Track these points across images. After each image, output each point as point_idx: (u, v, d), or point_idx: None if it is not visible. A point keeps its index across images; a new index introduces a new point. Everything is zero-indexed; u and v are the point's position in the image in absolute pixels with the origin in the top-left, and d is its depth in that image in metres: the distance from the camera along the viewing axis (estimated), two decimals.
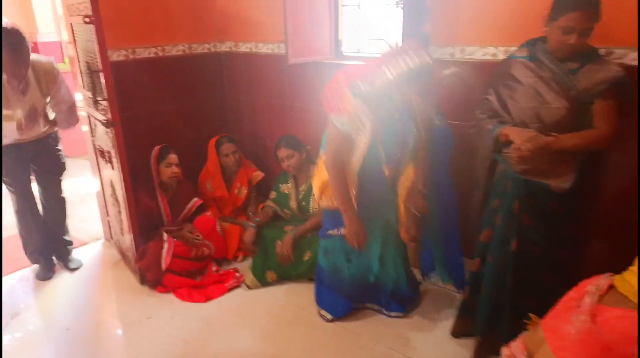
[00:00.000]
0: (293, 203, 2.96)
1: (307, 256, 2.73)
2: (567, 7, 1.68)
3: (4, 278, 2.87)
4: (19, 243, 2.93)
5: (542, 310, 1.87)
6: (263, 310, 2.53)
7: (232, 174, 3.29)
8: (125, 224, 2.77)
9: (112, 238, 3.27)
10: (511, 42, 2.20)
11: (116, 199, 2.83)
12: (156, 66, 3.16)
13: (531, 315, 1.77)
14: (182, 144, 3.16)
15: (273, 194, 3.05)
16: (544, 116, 1.80)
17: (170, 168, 2.82)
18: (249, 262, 2.99)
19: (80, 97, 2.98)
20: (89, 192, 4.24)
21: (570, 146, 1.74)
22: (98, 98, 2.48)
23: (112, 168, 2.70)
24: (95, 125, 2.83)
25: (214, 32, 3.42)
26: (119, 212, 2.84)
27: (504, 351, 1.68)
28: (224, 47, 3.49)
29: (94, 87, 2.57)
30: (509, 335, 1.98)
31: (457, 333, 2.24)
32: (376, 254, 2.29)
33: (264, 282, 2.73)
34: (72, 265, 2.98)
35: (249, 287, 2.72)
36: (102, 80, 2.39)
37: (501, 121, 1.90)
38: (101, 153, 2.87)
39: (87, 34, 2.51)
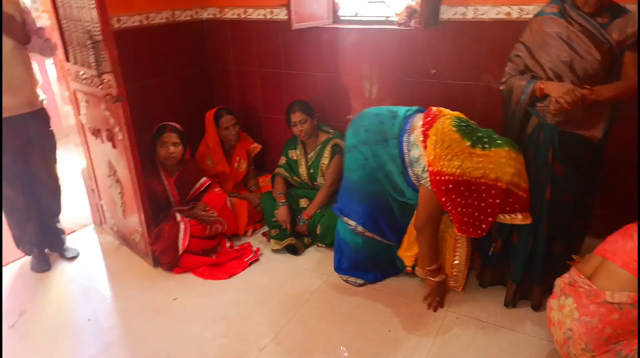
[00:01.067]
0: (303, 170, 2.93)
1: (318, 230, 2.74)
2: None
3: None
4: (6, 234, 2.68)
5: (571, 253, 2.05)
6: (289, 279, 2.52)
7: (230, 148, 3.18)
8: (131, 206, 2.61)
9: (103, 223, 3.07)
10: (526, 0, 2.28)
11: (117, 181, 2.65)
12: (139, 36, 2.93)
13: (574, 256, 1.91)
14: (168, 120, 2.95)
15: (282, 160, 2.99)
16: (578, 69, 1.88)
17: (166, 147, 2.64)
18: (257, 236, 2.95)
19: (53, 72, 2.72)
20: (65, 178, 3.95)
21: (605, 97, 1.84)
22: (98, 71, 2.26)
23: (114, 146, 2.51)
24: (86, 102, 2.60)
25: None
26: (120, 193, 2.67)
27: (558, 282, 1.82)
28: (206, 14, 3.29)
29: (89, 60, 2.35)
30: (542, 279, 2.14)
31: (486, 283, 2.36)
32: None
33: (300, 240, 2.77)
34: (69, 254, 2.78)
35: (276, 251, 2.73)
36: (105, 51, 2.19)
37: (534, 76, 1.97)
38: (94, 132, 2.65)
39: (76, 1, 2.28)
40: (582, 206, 2.08)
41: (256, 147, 3.27)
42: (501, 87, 2.11)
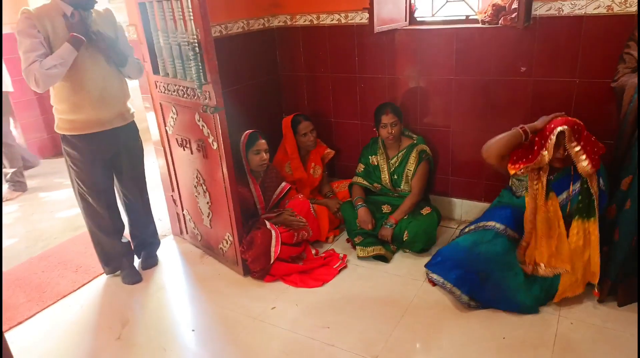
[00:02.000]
0: (385, 176, 2.90)
1: (405, 237, 2.70)
2: None
3: (86, 287, 2.67)
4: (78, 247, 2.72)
5: None
6: (383, 287, 2.48)
7: (306, 154, 3.17)
8: (219, 215, 2.62)
9: (184, 233, 3.10)
10: None
11: (205, 190, 2.66)
12: (219, 46, 2.93)
13: None
14: (245, 127, 2.95)
15: (360, 167, 2.97)
16: None
17: (260, 154, 2.67)
18: (339, 242, 2.93)
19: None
20: None
21: None
22: (199, 82, 2.28)
23: (205, 156, 2.53)
24: (175, 113, 2.63)
25: (265, 6, 3.23)
26: (208, 203, 2.68)
27: None
28: (277, 22, 3.30)
29: (181, 71, 2.38)
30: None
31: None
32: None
33: (386, 248, 2.73)
34: (147, 264, 2.80)
35: (362, 258, 2.70)
36: (205, 63, 2.20)
37: None
38: (182, 143, 2.68)
39: (164, 12, 2.32)
40: None
41: (330, 153, 3.26)
42: (613, 85, 2.04)
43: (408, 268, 2.63)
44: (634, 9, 2.21)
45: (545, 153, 2.10)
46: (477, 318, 2.19)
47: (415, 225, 2.67)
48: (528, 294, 2.18)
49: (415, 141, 2.85)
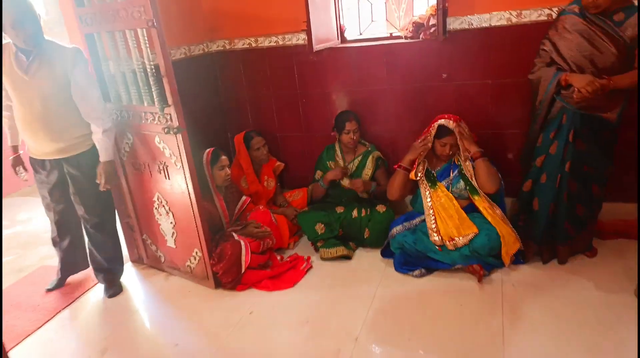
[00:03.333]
0: (344, 180, 3.14)
1: (366, 235, 2.96)
2: None
3: (50, 324, 2.59)
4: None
5: (592, 217, 2.43)
6: (350, 279, 2.70)
7: (258, 168, 3.34)
8: (185, 233, 2.70)
9: (144, 258, 3.10)
10: (523, 5, 2.67)
11: (167, 211, 2.72)
12: None
13: None
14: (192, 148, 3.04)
15: (318, 174, 3.20)
16: (598, 62, 2.26)
17: (224, 170, 2.80)
18: (300, 247, 3.11)
19: None
20: None
21: (621, 85, 2.21)
22: (160, 105, 2.38)
23: (167, 178, 2.61)
24: (130, 138, 2.68)
25: (203, 32, 3.38)
26: (172, 223, 2.75)
27: None
28: (216, 47, 3.46)
29: (137, 96, 2.47)
30: (566, 239, 2.50)
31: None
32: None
33: (347, 247, 2.95)
34: (109, 293, 2.80)
35: (326, 259, 2.91)
36: (166, 86, 2.31)
37: (559, 68, 2.34)
38: (139, 167, 2.73)
39: (116, 42, 2.41)
40: (600, 175, 2.46)
41: (280, 165, 3.45)
42: (530, 77, 2.47)
43: (368, 260, 2.88)
44: (527, 19, 2.69)
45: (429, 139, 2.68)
46: (436, 293, 2.48)
47: (375, 223, 2.93)
48: (456, 255, 2.60)
49: (369, 149, 3.14)
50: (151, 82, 2.34)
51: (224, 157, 2.79)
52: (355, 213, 3.02)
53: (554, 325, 2.15)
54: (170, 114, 2.39)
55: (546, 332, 2.11)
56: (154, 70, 2.35)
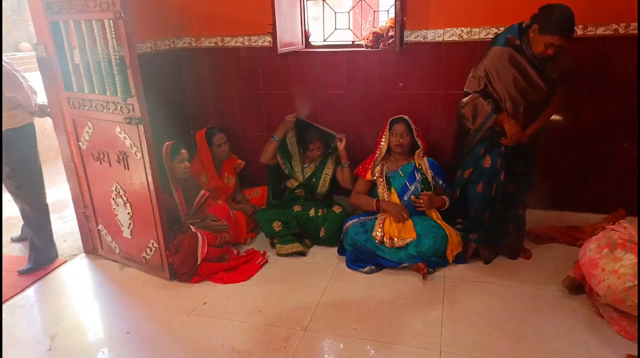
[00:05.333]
0: (298, 174, 3.25)
1: (322, 234, 3.08)
2: (554, 31, 2.30)
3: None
4: None
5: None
6: (303, 273, 2.81)
7: (219, 165, 3.40)
8: (142, 224, 2.73)
9: (99, 249, 3.10)
10: (472, 24, 2.89)
11: (125, 202, 2.75)
12: None
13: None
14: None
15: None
16: (530, 96, 2.51)
17: (184, 163, 2.86)
18: (256, 242, 3.20)
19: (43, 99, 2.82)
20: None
21: (536, 128, 2.59)
22: (123, 96, 2.42)
23: (126, 168, 2.64)
24: (90, 127, 2.71)
25: (171, 28, 3.44)
26: (129, 213, 2.78)
27: (612, 236, 2.16)
28: (182, 43, 3.52)
29: (99, 86, 2.51)
30: (499, 237, 2.76)
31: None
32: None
33: (302, 244, 3.05)
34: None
35: (282, 255, 3.00)
36: (130, 77, 2.37)
37: (494, 102, 2.56)
38: (98, 157, 2.75)
39: (89, 31, 2.45)
40: (530, 175, 2.77)
41: (241, 163, 3.53)
42: (464, 100, 2.65)
43: (322, 257, 3.00)
44: (477, 37, 2.91)
45: (382, 142, 2.93)
46: (383, 287, 2.63)
47: (331, 223, 3.06)
48: (403, 254, 2.77)
49: (330, 150, 3.27)
50: (115, 73, 2.39)
51: (183, 151, 2.85)
52: (312, 212, 3.14)
53: (487, 316, 2.34)
54: (133, 105, 2.44)
55: (480, 322, 2.30)
56: (118, 61, 2.39)
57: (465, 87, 2.65)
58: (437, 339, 2.19)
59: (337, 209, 3.14)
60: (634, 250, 2.07)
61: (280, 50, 3.09)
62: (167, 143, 2.86)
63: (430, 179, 2.91)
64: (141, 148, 2.51)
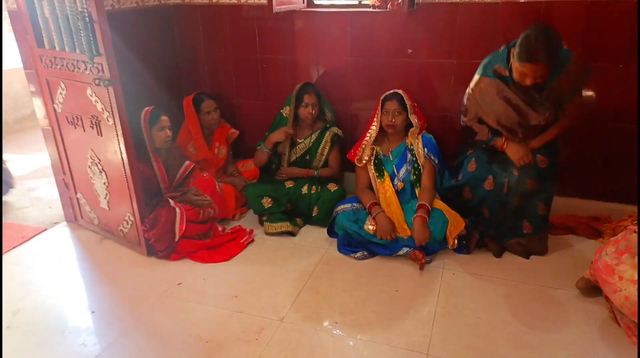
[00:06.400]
0: (297, 153, 3.00)
1: (315, 213, 2.84)
2: (521, 57, 2.03)
3: None
4: None
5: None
6: (289, 256, 2.59)
7: (209, 134, 3.16)
8: (118, 195, 2.54)
9: (79, 218, 2.94)
10: None
11: (101, 170, 2.55)
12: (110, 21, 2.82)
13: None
14: (140, 106, 2.79)
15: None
16: (524, 125, 2.29)
17: (164, 131, 2.62)
18: (246, 219, 2.98)
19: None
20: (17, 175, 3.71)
21: (545, 141, 2.33)
22: (90, 54, 2.18)
23: (99, 134, 2.43)
24: (64, 89, 2.48)
25: None
26: (105, 183, 2.58)
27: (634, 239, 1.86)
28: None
29: (71, 43, 2.26)
30: (508, 233, 2.48)
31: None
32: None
33: (293, 223, 2.82)
34: None
35: (270, 234, 2.78)
36: (97, 34, 2.11)
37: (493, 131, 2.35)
38: (73, 121, 2.54)
39: None
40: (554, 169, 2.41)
41: (234, 132, 3.28)
42: (465, 121, 2.49)
43: (313, 238, 2.77)
44: None
45: (374, 124, 2.62)
46: (375, 276, 2.39)
47: (324, 201, 2.81)
48: (394, 244, 2.50)
49: (328, 124, 2.98)
50: (81, 28, 2.13)
51: (164, 117, 2.61)
52: (305, 189, 2.89)
53: (487, 316, 2.08)
54: (101, 65, 2.20)
55: (477, 323, 2.04)
56: (86, 15, 2.14)
57: (464, 106, 2.49)
58: (427, 340, 1.95)
59: (332, 187, 2.88)
60: None
61: (276, 9, 2.78)
62: (146, 108, 2.62)
63: (421, 160, 2.60)
64: (112, 113, 2.28)
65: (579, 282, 2.16)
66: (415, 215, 2.48)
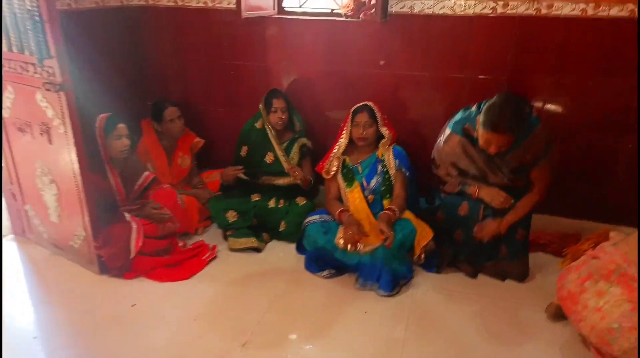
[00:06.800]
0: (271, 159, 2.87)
1: (282, 228, 2.72)
2: (487, 126, 2.00)
3: None
4: None
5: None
6: (254, 274, 2.46)
7: (173, 143, 3.00)
8: (70, 208, 2.35)
9: (27, 232, 2.72)
10: None
11: (51, 181, 2.36)
12: (66, 20, 2.63)
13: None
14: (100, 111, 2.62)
15: (245, 150, 2.91)
16: (491, 183, 2.25)
17: (121, 140, 2.45)
18: (209, 233, 2.83)
19: None
20: None
21: (515, 220, 2.24)
22: (39, 56, 2.00)
23: (50, 142, 2.24)
24: (12, 93, 2.29)
25: None
26: (56, 195, 2.39)
27: (596, 265, 1.76)
28: (136, 1, 3.07)
29: (20, 44, 2.08)
30: (483, 257, 2.40)
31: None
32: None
33: (259, 239, 2.69)
34: None
35: (235, 250, 2.63)
36: (48, 34, 1.94)
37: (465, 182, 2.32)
38: (22, 127, 2.34)
39: None
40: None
41: (199, 142, 3.13)
42: (437, 173, 2.42)
43: (280, 255, 2.64)
44: (472, 11, 2.49)
45: (343, 136, 2.55)
46: (344, 295, 2.28)
47: (293, 215, 2.70)
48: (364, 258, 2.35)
49: (297, 135, 2.87)
50: (28, 28, 1.96)
51: (121, 125, 2.44)
52: (272, 202, 2.77)
53: (458, 337, 2.01)
54: (52, 68, 2.02)
55: (449, 345, 1.96)
56: (36, 14, 1.96)
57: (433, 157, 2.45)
58: None
59: (300, 201, 2.77)
60: (622, 283, 1.68)
61: (244, 14, 2.66)
62: (101, 115, 2.44)
63: (392, 172, 2.52)
64: (64, 120, 2.11)
65: (548, 308, 2.10)
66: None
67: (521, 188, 2.28)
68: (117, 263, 2.34)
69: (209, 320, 2.10)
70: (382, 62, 2.75)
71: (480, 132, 2.06)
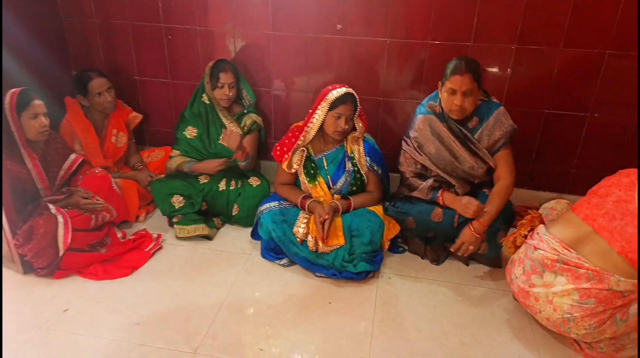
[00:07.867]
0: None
1: (235, 211, 2.49)
2: (450, 72, 1.97)
3: None
4: None
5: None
6: (205, 265, 2.23)
7: (104, 119, 2.64)
8: None
9: None
10: None
11: None
12: None
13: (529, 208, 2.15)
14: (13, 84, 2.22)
15: (191, 131, 2.60)
16: (459, 171, 2.13)
17: (38, 119, 2.08)
18: (152, 220, 2.55)
19: None
20: None
21: (492, 218, 2.05)
22: None
23: None
24: None
25: None
26: None
27: (538, 257, 1.70)
28: None
29: None
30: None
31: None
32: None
33: (209, 225, 2.45)
34: None
35: (182, 239, 2.39)
36: None
37: (435, 180, 2.15)
38: None
39: None
40: None
41: (136, 116, 2.79)
42: (406, 178, 2.25)
43: (233, 241, 2.42)
44: None
45: (313, 122, 2.18)
46: (306, 286, 2.11)
47: (246, 198, 2.46)
48: (324, 261, 2.16)
49: (245, 110, 2.59)
50: None
51: (37, 102, 2.07)
52: (222, 184, 2.51)
53: (428, 327, 1.89)
54: None
55: (418, 337, 1.84)
56: None
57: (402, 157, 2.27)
58: (366, 355, 1.72)
59: (254, 181, 2.53)
60: (565, 272, 1.63)
61: None
62: (12, 90, 2.06)
63: (364, 170, 2.28)
64: None
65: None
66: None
67: (485, 182, 2.19)
68: (43, 262, 2.03)
69: (154, 323, 1.86)
70: (339, 27, 2.50)
71: (445, 88, 2.01)
